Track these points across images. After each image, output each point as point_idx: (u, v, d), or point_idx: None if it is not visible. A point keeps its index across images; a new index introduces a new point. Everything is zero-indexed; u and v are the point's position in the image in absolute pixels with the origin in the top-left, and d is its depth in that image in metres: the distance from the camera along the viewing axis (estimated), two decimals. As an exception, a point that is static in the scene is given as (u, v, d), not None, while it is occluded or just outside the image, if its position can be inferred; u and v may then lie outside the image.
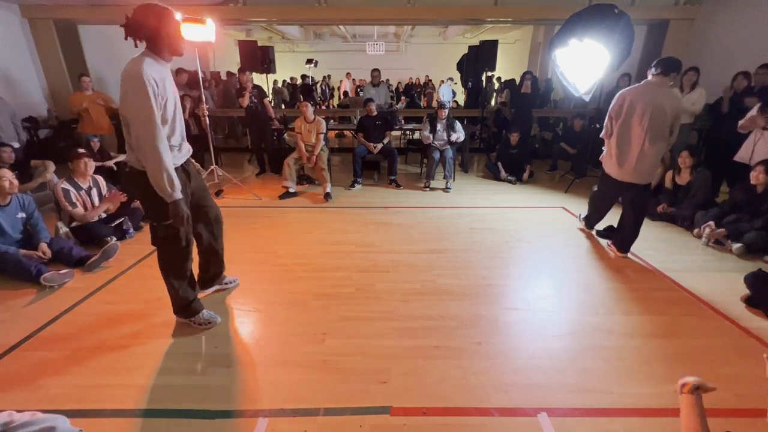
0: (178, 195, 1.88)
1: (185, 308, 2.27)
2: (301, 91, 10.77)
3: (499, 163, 5.70)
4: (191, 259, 2.20)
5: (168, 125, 1.91)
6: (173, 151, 1.96)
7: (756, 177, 3.33)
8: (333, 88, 14.87)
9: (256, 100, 5.56)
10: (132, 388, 1.85)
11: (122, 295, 2.66)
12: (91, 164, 3.45)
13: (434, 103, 8.39)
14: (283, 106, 10.43)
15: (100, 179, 3.59)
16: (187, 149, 2.13)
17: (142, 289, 2.73)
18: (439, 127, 5.26)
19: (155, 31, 1.81)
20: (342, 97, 12.55)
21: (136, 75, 1.72)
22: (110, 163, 5.01)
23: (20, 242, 2.97)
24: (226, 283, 2.71)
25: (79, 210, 3.33)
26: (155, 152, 1.78)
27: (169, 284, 2.19)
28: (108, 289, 2.73)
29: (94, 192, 3.50)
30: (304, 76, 12.14)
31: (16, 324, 2.32)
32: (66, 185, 3.31)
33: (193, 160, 2.23)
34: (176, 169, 1.94)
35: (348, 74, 13.94)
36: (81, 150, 3.43)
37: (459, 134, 5.27)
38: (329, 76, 14.97)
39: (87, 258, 2.99)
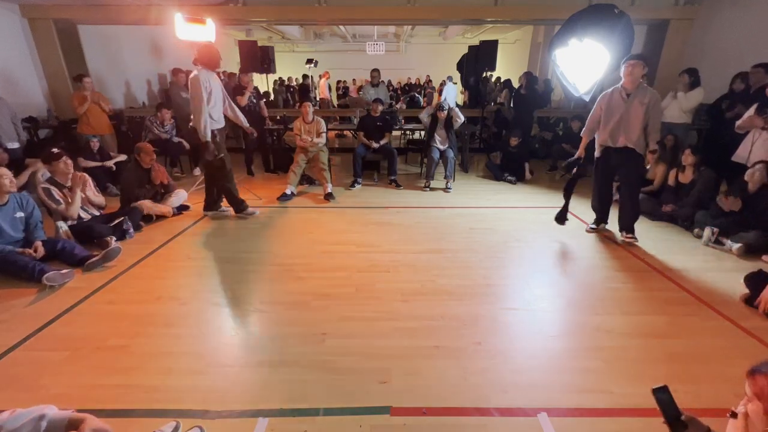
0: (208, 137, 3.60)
1: (239, 206, 4.04)
2: (299, 91, 10.67)
3: (501, 156, 5.72)
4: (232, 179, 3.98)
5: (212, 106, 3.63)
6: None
7: (752, 175, 3.33)
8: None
9: (255, 101, 5.56)
10: (132, 388, 1.85)
11: (122, 295, 2.66)
12: (70, 162, 3.46)
13: (434, 104, 8.29)
14: (281, 106, 10.42)
15: (85, 175, 3.60)
16: (221, 121, 3.84)
17: (142, 289, 2.73)
18: (438, 125, 5.27)
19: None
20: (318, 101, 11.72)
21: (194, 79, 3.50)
22: (110, 163, 5.01)
23: (21, 242, 2.97)
24: (221, 211, 4.20)
25: (63, 206, 3.33)
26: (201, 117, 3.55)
27: (227, 192, 4.00)
28: (108, 289, 2.73)
29: (87, 179, 3.53)
30: (305, 76, 11.96)
31: (16, 324, 2.32)
32: (46, 185, 3.32)
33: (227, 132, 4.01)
34: (220, 130, 3.79)
35: (325, 73, 11.88)
36: (56, 150, 3.41)
37: (459, 119, 5.23)
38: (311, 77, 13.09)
39: (88, 258, 2.99)
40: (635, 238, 3.42)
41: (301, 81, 11.79)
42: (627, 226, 3.48)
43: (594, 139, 3.53)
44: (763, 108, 3.53)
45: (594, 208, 3.76)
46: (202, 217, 4.11)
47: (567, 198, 3.60)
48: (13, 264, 2.74)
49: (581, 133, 3.61)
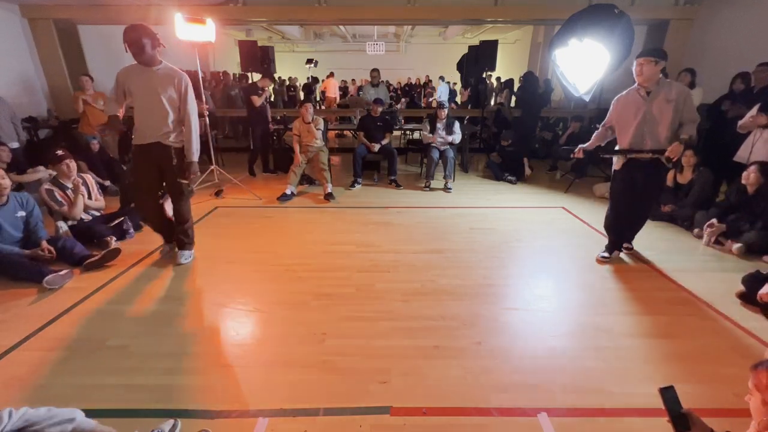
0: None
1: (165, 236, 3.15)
2: (304, 92, 10.72)
3: (500, 157, 5.76)
4: (146, 206, 2.99)
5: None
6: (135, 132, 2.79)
7: (747, 177, 3.34)
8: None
9: (265, 102, 5.57)
10: (132, 388, 1.85)
11: (122, 295, 2.66)
12: (73, 165, 3.44)
13: (434, 103, 8.43)
14: (281, 106, 10.43)
15: (89, 177, 3.59)
16: (152, 134, 2.76)
17: (142, 289, 2.73)
18: (439, 126, 5.27)
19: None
20: (321, 100, 11.76)
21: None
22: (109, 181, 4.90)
23: (21, 241, 2.96)
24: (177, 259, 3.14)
25: (65, 208, 3.33)
26: None
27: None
28: (108, 289, 2.73)
29: (83, 190, 3.52)
30: (314, 79, 12.04)
31: (16, 324, 2.32)
32: (49, 186, 3.33)
33: (172, 146, 2.83)
34: (138, 146, 2.79)
35: (331, 74, 12.50)
36: (60, 152, 3.38)
37: (456, 136, 5.27)
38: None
39: (88, 257, 2.99)
40: (631, 246, 3.29)
41: (304, 82, 11.84)
42: (630, 238, 3.28)
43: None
44: (767, 107, 3.52)
45: (608, 230, 3.25)
46: (202, 217, 4.11)
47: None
48: (11, 266, 2.73)
49: (593, 135, 3.16)
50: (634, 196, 3.01)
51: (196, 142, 2.83)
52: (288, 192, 4.73)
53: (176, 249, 3.13)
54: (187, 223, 3.07)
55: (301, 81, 13.57)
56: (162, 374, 1.94)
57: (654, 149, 2.82)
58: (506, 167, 5.67)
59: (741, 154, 3.75)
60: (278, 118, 7.22)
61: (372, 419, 1.68)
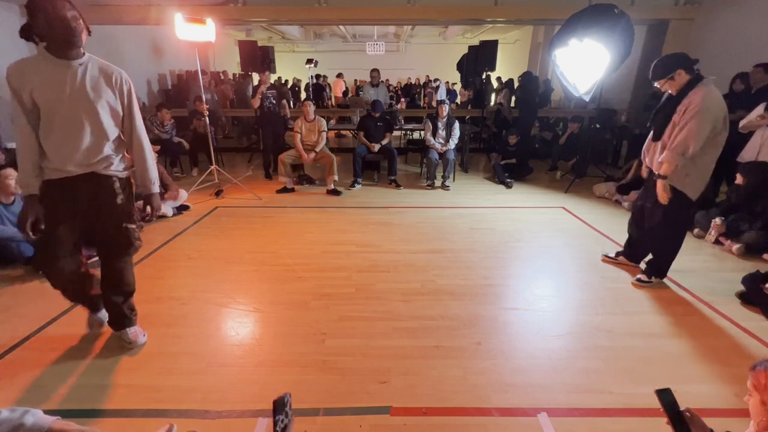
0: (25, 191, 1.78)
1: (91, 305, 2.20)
2: (313, 91, 10.75)
3: (502, 159, 5.77)
4: (64, 270, 1.97)
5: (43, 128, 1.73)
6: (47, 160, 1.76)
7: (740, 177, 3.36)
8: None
9: (275, 101, 5.48)
10: (132, 388, 1.85)
11: (122, 295, 2.65)
12: None
13: (434, 103, 8.51)
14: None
15: None
16: (81, 163, 1.78)
17: (142, 289, 2.71)
18: (439, 125, 5.28)
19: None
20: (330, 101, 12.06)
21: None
22: None
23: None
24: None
25: None
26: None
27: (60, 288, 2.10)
28: (108, 289, 2.73)
29: None
30: (318, 76, 12.11)
31: (15, 324, 2.32)
32: None
33: (115, 177, 1.91)
34: (53, 182, 1.79)
35: (340, 75, 12.85)
36: None
37: (453, 140, 5.28)
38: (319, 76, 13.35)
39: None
40: (646, 282, 2.75)
41: (307, 82, 11.91)
42: (647, 269, 2.82)
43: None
44: None
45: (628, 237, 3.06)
46: (202, 217, 4.12)
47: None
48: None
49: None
50: (643, 208, 2.77)
51: (153, 166, 2.01)
52: (286, 184, 4.79)
53: (120, 329, 2.14)
54: (132, 292, 2.20)
55: (303, 81, 13.60)
56: (162, 374, 1.94)
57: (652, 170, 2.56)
58: (509, 167, 5.64)
59: (748, 155, 3.71)
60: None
61: (372, 419, 1.68)
